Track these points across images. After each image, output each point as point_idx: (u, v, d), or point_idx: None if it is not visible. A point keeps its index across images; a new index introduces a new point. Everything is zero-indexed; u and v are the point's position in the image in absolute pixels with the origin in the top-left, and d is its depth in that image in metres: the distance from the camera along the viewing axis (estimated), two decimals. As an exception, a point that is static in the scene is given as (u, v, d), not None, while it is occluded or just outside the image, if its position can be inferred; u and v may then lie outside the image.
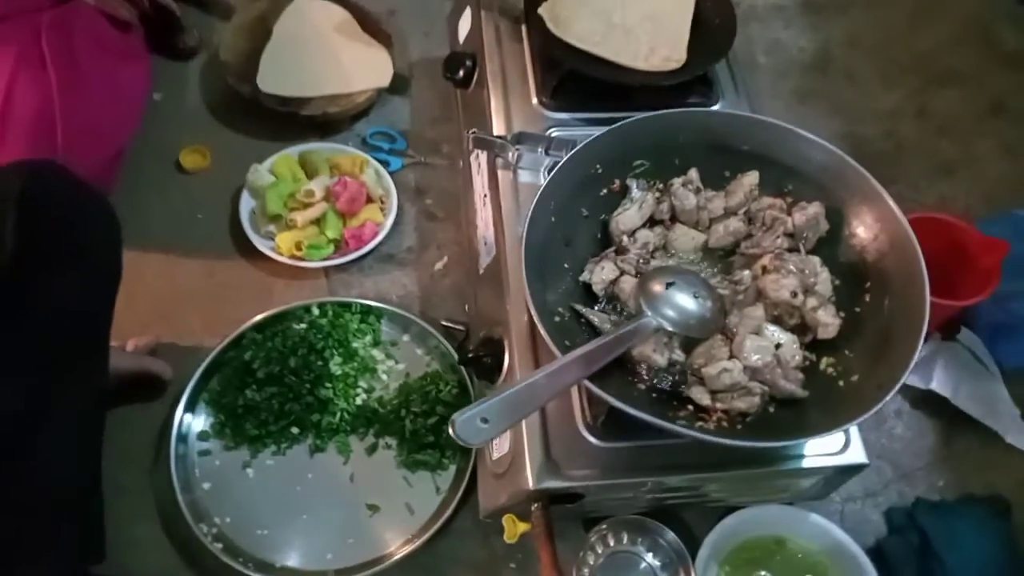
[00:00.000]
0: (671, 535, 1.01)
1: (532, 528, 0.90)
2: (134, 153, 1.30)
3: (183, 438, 1.07)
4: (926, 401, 1.17)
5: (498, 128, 1.13)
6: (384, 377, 1.14)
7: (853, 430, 0.94)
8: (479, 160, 1.18)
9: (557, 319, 0.88)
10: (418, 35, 1.49)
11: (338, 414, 1.10)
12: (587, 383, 0.79)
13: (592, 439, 0.91)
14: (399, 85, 1.42)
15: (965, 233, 1.16)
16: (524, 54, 1.21)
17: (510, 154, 1.08)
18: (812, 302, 0.90)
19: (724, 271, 0.96)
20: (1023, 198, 1.29)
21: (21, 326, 0.83)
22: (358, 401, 1.11)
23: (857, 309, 0.91)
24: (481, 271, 1.13)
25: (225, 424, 1.08)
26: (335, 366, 1.12)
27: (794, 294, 0.89)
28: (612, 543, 1.03)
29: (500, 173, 1.09)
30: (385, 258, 1.25)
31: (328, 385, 1.10)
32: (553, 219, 0.93)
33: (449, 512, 1.03)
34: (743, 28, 1.55)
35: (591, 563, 1.02)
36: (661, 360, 0.87)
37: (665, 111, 0.97)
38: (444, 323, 1.17)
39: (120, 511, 1.01)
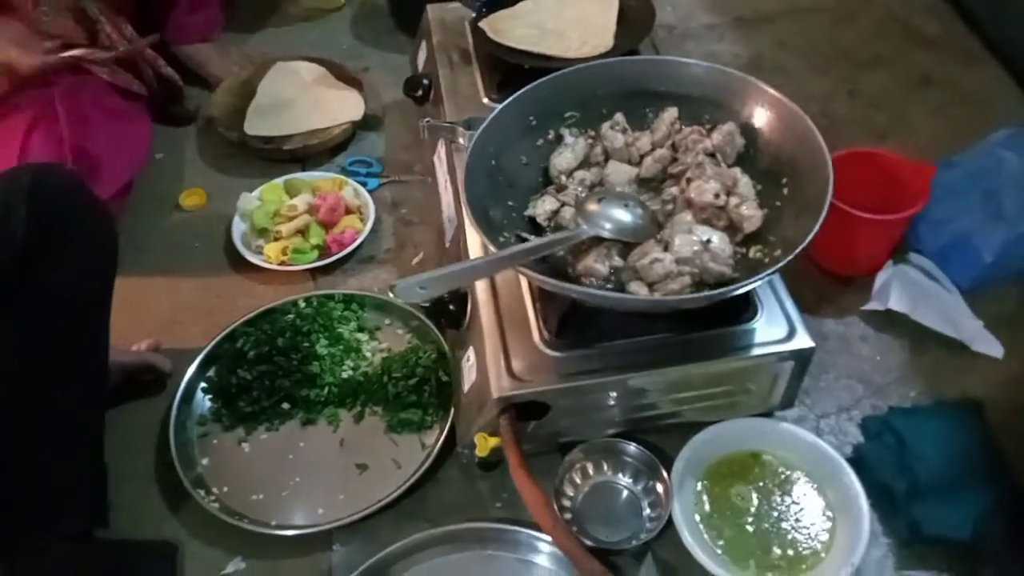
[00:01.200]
0: (633, 447, 1.04)
1: (501, 438, 0.95)
2: (139, 201, 1.45)
3: (182, 422, 1.14)
4: (890, 323, 1.21)
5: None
6: (369, 355, 1.21)
7: (796, 318, 0.99)
8: (440, 155, 1.30)
9: (502, 240, 0.96)
10: (389, 84, 1.65)
11: (326, 388, 1.16)
12: (523, 268, 0.87)
13: (548, 351, 0.98)
14: (373, 123, 1.58)
15: (894, 162, 1.24)
16: (472, 71, 1.36)
17: (461, 139, 1.20)
18: (735, 200, 0.98)
19: (657, 196, 1.05)
20: (956, 149, 1.36)
21: (31, 306, 0.92)
22: (344, 375, 1.18)
23: (778, 203, 0.99)
24: (447, 245, 1.23)
25: (221, 407, 1.15)
26: (321, 348, 1.20)
27: (716, 195, 0.97)
28: (592, 472, 1.06)
29: (456, 156, 1.21)
30: (366, 259, 1.35)
31: (315, 363, 1.18)
32: (493, 163, 1.03)
33: (433, 458, 1.07)
34: (679, 47, 1.72)
35: (571, 495, 1.04)
36: (603, 269, 0.95)
37: (582, 64, 1.10)
38: (423, 303, 1.25)
39: (125, 492, 1.07)
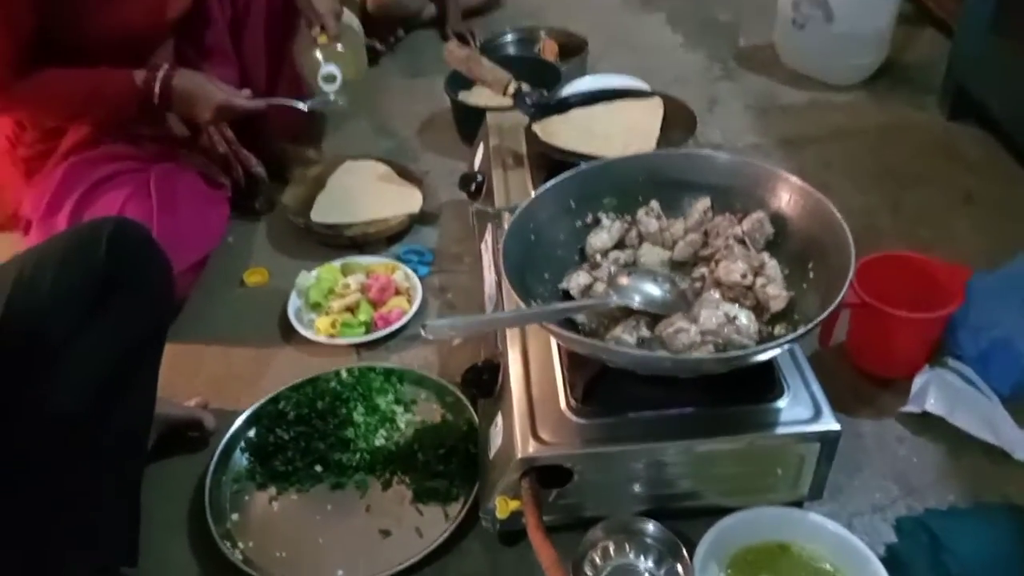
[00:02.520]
0: (655, 527, 1.02)
1: (522, 500, 0.95)
2: (207, 278, 1.55)
3: (219, 477, 1.17)
4: (927, 427, 1.19)
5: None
6: (402, 426, 1.24)
7: (822, 401, 0.99)
8: (487, 240, 1.37)
9: (534, 305, 1.00)
10: (447, 185, 1.76)
11: (358, 454, 1.19)
12: (550, 326, 0.91)
13: (573, 417, 1.00)
14: (429, 218, 1.68)
15: (929, 265, 1.25)
16: (523, 171, 1.45)
17: (506, 224, 1.27)
18: (761, 280, 1.01)
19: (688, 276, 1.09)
20: (1000, 263, 1.36)
21: (93, 339, 1.00)
22: (377, 443, 1.20)
23: (804, 286, 1.01)
24: (487, 322, 1.27)
25: (257, 465, 1.19)
26: (358, 415, 1.24)
27: (744, 275, 1.01)
28: (613, 553, 1.04)
29: (500, 239, 1.28)
30: (410, 338, 1.41)
31: (351, 429, 1.21)
32: (533, 237, 1.09)
33: (455, 528, 1.08)
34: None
35: (590, 575, 1.02)
36: (631, 339, 0.98)
37: (619, 157, 1.17)
38: (459, 380, 1.28)
39: (157, 537, 1.10)
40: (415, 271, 1.53)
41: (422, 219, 1.67)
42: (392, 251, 1.61)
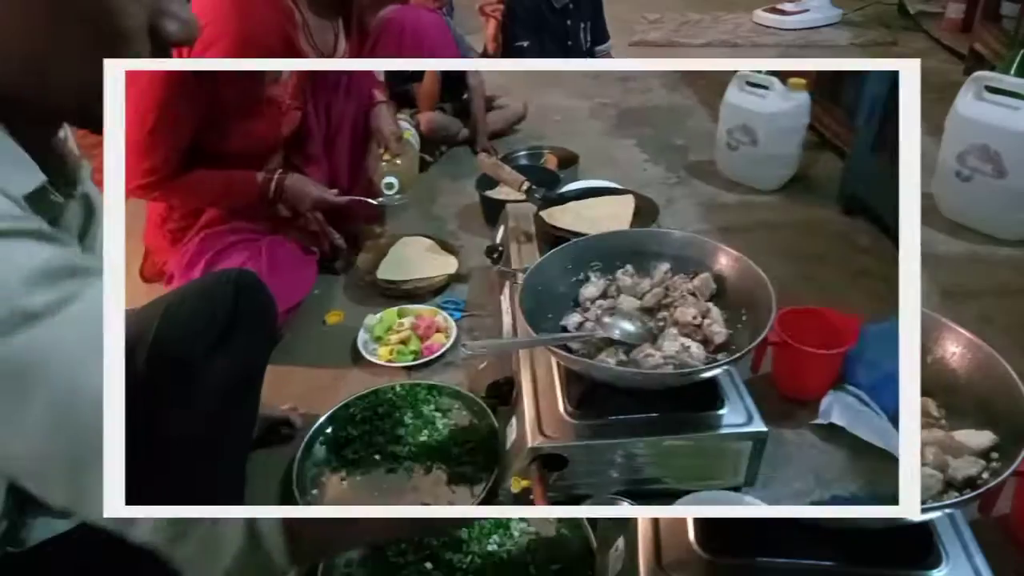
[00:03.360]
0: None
1: (531, 478, 0.97)
2: (299, 318, 1.59)
3: (303, 463, 1.18)
4: (833, 436, 1.20)
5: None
6: (441, 428, 1.25)
7: (753, 411, 1.01)
8: (505, 293, 1.41)
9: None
10: (476, 255, 1.79)
11: (407, 447, 1.21)
12: (553, 349, 0.94)
13: (569, 419, 1.02)
14: (462, 278, 1.72)
15: (831, 315, 1.28)
16: (532, 246, 1.50)
17: (520, 281, 1.31)
18: (707, 321, 1.04)
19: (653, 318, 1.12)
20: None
21: (224, 358, 1.02)
22: (421, 439, 1.22)
23: (739, 326, 1.05)
24: (504, 352, 1.30)
25: (331, 454, 1.21)
26: (407, 418, 1.26)
27: (694, 317, 1.04)
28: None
29: (515, 292, 1.31)
30: (448, 363, 1.44)
31: (402, 428, 1.23)
32: (540, 289, 1.13)
33: (478, 502, 1.09)
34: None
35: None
36: (612, 361, 1.01)
37: (603, 233, 1.22)
38: (483, 393, 1.30)
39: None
40: (452, 315, 1.56)
41: (457, 278, 1.72)
42: (435, 301, 1.65)
